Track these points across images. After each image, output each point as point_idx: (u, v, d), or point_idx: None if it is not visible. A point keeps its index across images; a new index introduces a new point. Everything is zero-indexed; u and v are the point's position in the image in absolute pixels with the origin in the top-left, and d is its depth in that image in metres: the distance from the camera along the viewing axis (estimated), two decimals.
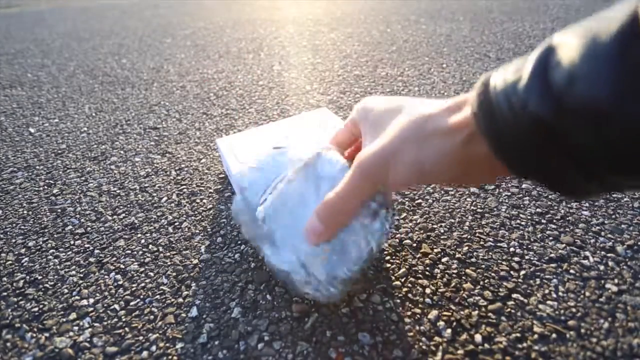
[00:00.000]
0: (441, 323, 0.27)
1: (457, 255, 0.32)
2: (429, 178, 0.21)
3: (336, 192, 0.23)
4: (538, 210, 0.37)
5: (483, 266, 0.31)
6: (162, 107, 0.68)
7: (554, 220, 0.35)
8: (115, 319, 0.29)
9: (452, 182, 0.22)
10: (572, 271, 0.30)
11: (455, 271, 0.31)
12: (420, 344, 0.26)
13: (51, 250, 0.36)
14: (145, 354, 0.26)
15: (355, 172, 0.22)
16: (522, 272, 0.30)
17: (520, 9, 1.18)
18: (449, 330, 0.26)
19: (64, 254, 0.36)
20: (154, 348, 0.27)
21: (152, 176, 0.47)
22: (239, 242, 0.36)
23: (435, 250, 0.33)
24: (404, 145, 0.20)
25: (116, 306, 0.30)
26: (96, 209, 0.42)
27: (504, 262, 0.31)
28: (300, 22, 1.27)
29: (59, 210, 0.42)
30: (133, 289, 0.32)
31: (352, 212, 0.23)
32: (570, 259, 0.31)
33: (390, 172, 0.21)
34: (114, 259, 0.35)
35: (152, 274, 0.33)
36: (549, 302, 0.28)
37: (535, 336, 0.26)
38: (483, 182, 0.22)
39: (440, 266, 0.31)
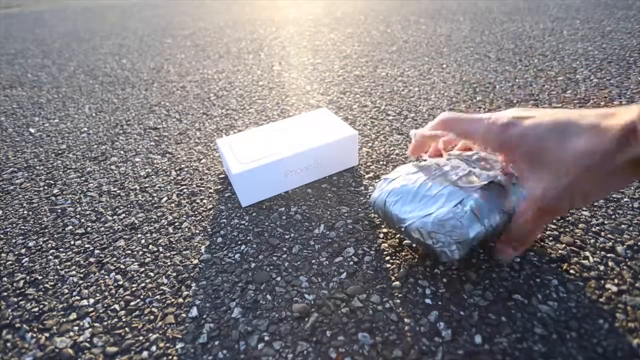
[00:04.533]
0: (441, 323, 0.27)
1: None
2: (598, 197, 0.26)
3: (519, 225, 0.27)
4: None
5: (483, 267, 0.31)
6: (162, 107, 0.68)
7: (554, 220, 0.35)
8: (115, 319, 0.29)
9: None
10: (572, 271, 0.30)
11: (455, 271, 0.31)
12: (420, 344, 0.26)
13: (51, 250, 0.36)
14: (145, 354, 0.26)
15: (539, 212, 0.26)
16: (523, 273, 0.30)
17: (520, 9, 1.18)
18: (449, 331, 0.26)
19: (64, 254, 0.36)
20: (154, 348, 0.27)
21: (152, 176, 0.47)
22: (239, 242, 0.36)
23: None
24: (580, 183, 0.23)
25: (116, 306, 0.30)
26: (96, 209, 0.42)
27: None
28: (300, 22, 1.27)
29: (59, 210, 0.42)
30: (133, 289, 0.32)
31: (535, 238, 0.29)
32: (570, 259, 0.31)
33: (566, 205, 0.25)
34: (114, 259, 0.35)
35: (152, 274, 0.33)
36: (549, 302, 0.28)
37: (536, 337, 0.26)
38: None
39: (441, 267, 0.31)
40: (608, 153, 0.22)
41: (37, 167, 0.51)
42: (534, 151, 0.25)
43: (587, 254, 0.31)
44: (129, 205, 0.42)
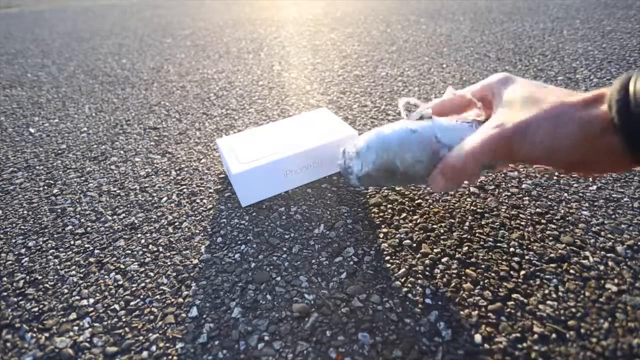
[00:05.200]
0: (441, 323, 0.27)
1: (457, 256, 0.32)
2: (555, 158, 0.23)
3: (462, 154, 0.26)
4: (538, 210, 0.37)
5: (483, 266, 0.31)
6: (162, 107, 0.68)
7: (554, 220, 0.35)
8: (115, 319, 0.29)
9: (574, 168, 0.25)
10: (572, 271, 0.30)
11: (455, 271, 0.31)
12: (420, 344, 0.26)
13: (51, 250, 0.36)
14: (145, 354, 0.26)
15: (492, 135, 0.24)
16: (522, 272, 0.30)
17: (520, 9, 1.18)
18: (449, 330, 0.26)
19: (64, 254, 0.36)
20: (154, 348, 0.27)
21: (152, 176, 0.47)
22: (239, 242, 0.36)
23: (435, 251, 0.33)
24: (542, 124, 0.23)
25: (116, 306, 0.30)
26: (96, 209, 0.42)
27: (504, 262, 0.31)
28: (300, 22, 1.27)
29: (59, 210, 0.42)
30: (133, 289, 0.32)
31: (473, 174, 0.27)
32: (570, 259, 0.31)
33: (521, 146, 0.23)
34: (114, 259, 0.35)
35: (152, 274, 0.33)
36: (549, 302, 0.28)
37: (535, 336, 0.26)
38: (604, 172, 0.25)
39: (440, 266, 0.31)
40: (574, 106, 0.22)
41: (37, 167, 0.51)
42: (515, 92, 0.26)
43: (587, 253, 0.31)
44: (128, 205, 0.42)
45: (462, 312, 0.28)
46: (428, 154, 0.28)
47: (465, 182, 0.28)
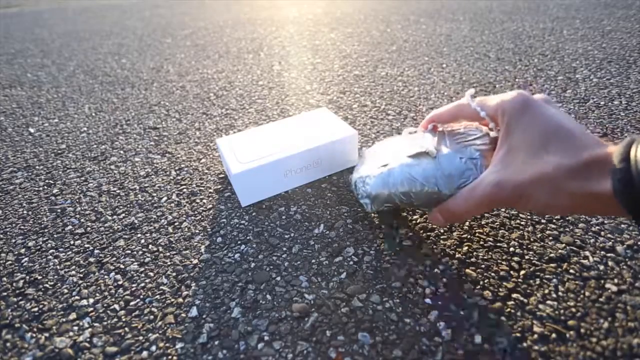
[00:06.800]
0: (441, 323, 0.27)
1: (457, 256, 0.32)
2: (552, 213, 0.25)
3: (460, 205, 0.28)
4: None
5: (483, 266, 0.31)
6: (162, 107, 0.68)
7: (554, 220, 0.35)
8: (115, 319, 0.29)
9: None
10: (572, 271, 0.30)
11: (455, 271, 0.31)
12: (420, 344, 0.26)
13: (51, 250, 0.36)
14: (145, 354, 0.26)
15: (489, 194, 0.26)
16: (522, 272, 0.30)
17: (520, 9, 1.18)
18: (449, 330, 0.26)
19: (63, 254, 0.36)
20: (153, 348, 0.27)
21: (152, 176, 0.47)
22: (239, 242, 0.36)
23: (435, 251, 0.33)
24: (539, 189, 0.23)
25: (116, 306, 0.30)
26: (96, 209, 0.42)
27: (503, 262, 0.31)
28: (300, 22, 1.27)
29: (59, 210, 0.42)
30: (133, 289, 0.32)
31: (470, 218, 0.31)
32: (570, 259, 0.31)
33: (520, 203, 0.25)
34: (114, 259, 0.35)
35: (152, 274, 0.33)
36: (548, 302, 0.28)
37: (535, 336, 0.26)
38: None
39: (440, 266, 0.31)
40: (572, 176, 0.22)
41: (37, 167, 0.51)
42: (523, 136, 0.25)
43: (587, 253, 0.31)
44: (128, 205, 0.42)
45: (462, 312, 0.28)
46: (430, 200, 0.31)
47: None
